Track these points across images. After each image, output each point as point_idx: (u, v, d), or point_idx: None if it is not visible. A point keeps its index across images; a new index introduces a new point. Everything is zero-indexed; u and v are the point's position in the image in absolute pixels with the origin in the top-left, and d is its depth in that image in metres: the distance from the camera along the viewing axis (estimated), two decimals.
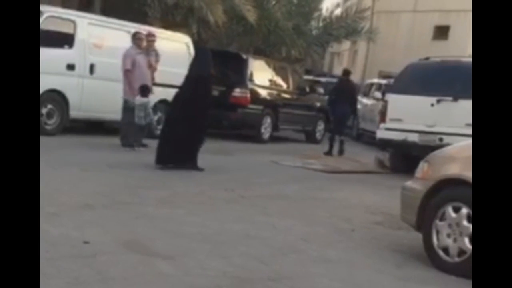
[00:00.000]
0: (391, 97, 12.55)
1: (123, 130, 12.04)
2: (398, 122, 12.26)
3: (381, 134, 12.60)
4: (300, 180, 10.56)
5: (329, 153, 14.99)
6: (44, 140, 11.05)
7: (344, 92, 15.14)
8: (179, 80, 14.02)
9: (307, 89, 18.67)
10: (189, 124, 9.89)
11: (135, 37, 12.40)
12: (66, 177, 8.27)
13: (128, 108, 11.93)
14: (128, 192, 7.83)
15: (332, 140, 15.17)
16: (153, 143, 10.81)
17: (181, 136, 9.91)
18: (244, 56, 16.22)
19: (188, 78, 10.28)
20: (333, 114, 15.71)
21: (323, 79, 24.26)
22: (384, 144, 12.94)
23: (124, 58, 12.10)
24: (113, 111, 13.19)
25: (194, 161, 10.09)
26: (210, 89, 10.55)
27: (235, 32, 18.20)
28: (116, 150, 11.54)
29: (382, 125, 12.59)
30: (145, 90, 11.88)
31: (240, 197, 8.37)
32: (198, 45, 10.64)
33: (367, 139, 19.92)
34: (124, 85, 12.04)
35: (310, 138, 18.52)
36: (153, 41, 12.55)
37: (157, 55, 12.59)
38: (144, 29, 13.31)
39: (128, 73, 12.03)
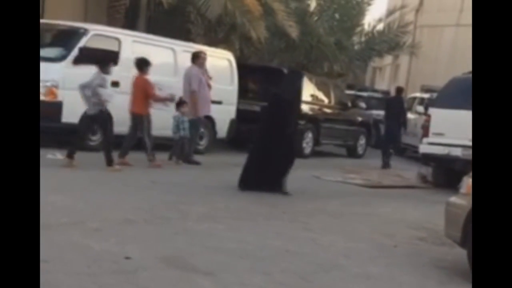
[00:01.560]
0: (434, 112, 12.44)
1: (185, 147, 12.09)
2: (441, 137, 12.15)
3: (424, 148, 12.49)
4: (342, 195, 10.52)
5: (386, 166, 15.37)
6: (88, 156, 11.32)
7: (396, 108, 15.98)
8: (221, 95, 14.29)
9: (349, 104, 18.60)
10: (278, 146, 9.64)
11: (198, 57, 12.54)
12: (108, 193, 8.37)
13: (194, 126, 12.13)
14: (169, 207, 7.88)
15: (385, 154, 15.74)
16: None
17: (269, 158, 9.66)
18: (286, 71, 16.23)
19: (276, 99, 10.09)
20: (385, 129, 16.46)
21: (365, 94, 24.15)
22: (427, 159, 12.80)
23: (190, 79, 12.27)
24: (159, 128, 13.34)
25: (281, 185, 9.70)
26: (296, 112, 10.40)
27: (277, 47, 18.25)
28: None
29: (425, 140, 12.47)
30: (181, 104, 11.97)
31: (281, 212, 8.36)
32: (291, 68, 10.86)
33: (410, 153, 19.76)
34: (189, 105, 12.08)
35: (352, 152, 18.43)
36: (206, 59, 12.72)
37: (207, 73, 12.73)
38: (190, 46, 13.52)
39: (195, 94, 12.15)
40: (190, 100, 12.18)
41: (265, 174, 9.55)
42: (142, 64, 11.42)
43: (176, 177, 10.42)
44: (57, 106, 11.82)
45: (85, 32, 12.30)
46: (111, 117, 12.15)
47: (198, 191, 9.45)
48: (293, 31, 16.58)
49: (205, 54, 12.86)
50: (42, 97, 11.53)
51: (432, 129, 12.26)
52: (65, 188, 8.34)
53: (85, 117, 10.73)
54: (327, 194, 10.52)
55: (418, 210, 9.69)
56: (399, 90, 17.28)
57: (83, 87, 10.50)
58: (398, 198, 10.95)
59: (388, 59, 30.06)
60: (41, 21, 14.09)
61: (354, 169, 14.42)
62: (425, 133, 12.54)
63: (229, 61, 15.00)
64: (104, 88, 10.42)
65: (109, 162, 10.35)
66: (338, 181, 12.29)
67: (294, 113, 10.15)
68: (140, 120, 11.29)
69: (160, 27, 16.27)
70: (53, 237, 5.70)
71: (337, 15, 19.77)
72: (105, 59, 10.70)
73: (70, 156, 10.39)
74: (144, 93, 11.24)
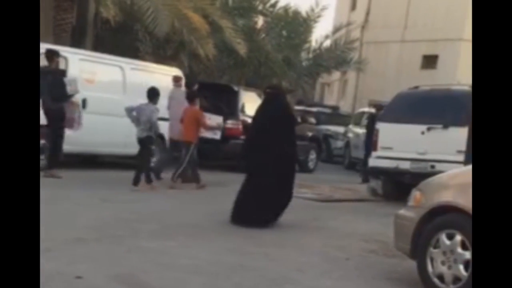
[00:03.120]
0: (382, 126, 12.61)
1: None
2: (389, 150, 12.31)
3: (373, 162, 12.65)
4: (293, 210, 10.50)
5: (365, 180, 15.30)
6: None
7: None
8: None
9: (299, 119, 18.72)
10: (276, 176, 8.64)
11: (177, 80, 13.34)
12: (58, 212, 8.24)
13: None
14: (120, 225, 7.80)
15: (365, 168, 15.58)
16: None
17: (266, 190, 8.54)
18: (236, 88, 16.31)
19: (261, 122, 8.87)
20: (366, 145, 16.28)
21: (314, 109, 24.40)
22: (376, 172, 12.96)
23: (177, 103, 12.64)
24: (106, 145, 13.25)
25: (276, 219, 8.75)
26: (294, 134, 9.09)
27: (226, 64, 18.33)
28: (109, 184, 11.50)
29: (373, 153, 12.63)
30: None
31: (233, 228, 8.35)
32: (270, 88, 9.36)
33: (359, 167, 19.99)
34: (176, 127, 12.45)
35: (302, 167, 18.52)
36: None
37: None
38: (138, 64, 13.61)
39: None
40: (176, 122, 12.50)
41: (261, 207, 8.47)
42: (193, 96, 12.40)
43: (128, 195, 10.33)
44: None
45: None
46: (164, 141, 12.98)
47: (148, 208, 9.38)
48: (241, 48, 16.67)
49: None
50: None
51: (381, 143, 12.43)
52: None
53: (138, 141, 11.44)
54: None
55: (369, 222, 9.80)
56: (379, 107, 16.94)
57: (130, 110, 11.30)
58: (349, 212, 11.05)
59: (336, 75, 30.48)
60: None
61: (305, 184, 14.48)
62: (374, 147, 12.69)
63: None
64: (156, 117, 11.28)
65: (135, 182, 11.08)
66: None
67: (294, 134, 9.04)
68: (189, 147, 11.96)
69: (107, 45, 16.20)
70: None
71: (284, 32, 19.96)
72: (154, 93, 11.43)
73: (147, 181, 11.13)
74: (195, 123, 12.07)
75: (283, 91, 9.32)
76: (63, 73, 12.01)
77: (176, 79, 13.47)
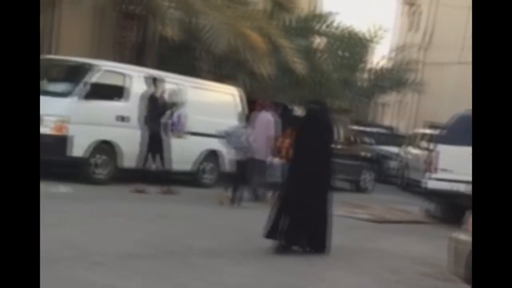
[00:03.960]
0: (441, 148, 12.52)
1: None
2: (448, 173, 12.22)
3: (431, 184, 12.54)
4: (347, 230, 10.54)
5: None
6: (93, 189, 11.43)
7: None
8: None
9: (354, 139, 18.75)
10: (316, 195, 8.18)
11: (263, 106, 13.48)
12: (112, 226, 8.43)
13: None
14: (173, 241, 7.94)
15: None
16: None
17: (306, 207, 8.06)
18: (290, 107, 16.42)
19: (303, 139, 8.43)
20: None
21: (369, 130, 24.32)
22: (434, 194, 12.86)
23: (267, 125, 12.89)
24: (164, 161, 13.45)
25: (322, 241, 8.11)
26: (332, 153, 8.70)
27: (282, 83, 18.42)
28: (164, 200, 11.69)
29: (431, 175, 12.53)
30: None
31: (287, 248, 8.40)
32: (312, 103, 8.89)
33: (414, 188, 19.85)
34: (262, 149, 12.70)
35: (357, 187, 18.51)
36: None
37: None
38: (198, 82, 13.96)
39: (271, 139, 12.82)
40: (267, 144, 12.72)
41: (300, 226, 8.04)
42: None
43: (182, 209, 10.49)
44: (66, 140, 11.93)
45: (93, 67, 12.47)
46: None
47: (202, 224, 9.51)
48: (299, 68, 16.79)
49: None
50: (50, 131, 11.78)
51: (440, 165, 12.34)
52: (69, 222, 8.41)
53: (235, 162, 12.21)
54: (332, 228, 10.52)
55: (422, 245, 9.73)
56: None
57: (228, 135, 12.15)
58: (403, 233, 10.99)
59: (392, 95, 30.27)
60: (50, 56, 14.45)
61: (359, 204, 14.47)
62: (430, 169, 12.60)
63: (234, 96, 15.17)
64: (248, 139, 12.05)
65: (232, 200, 11.72)
66: (343, 215, 12.31)
67: (331, 155, 8.57)
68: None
69: (166, 63, 16.46)
70: (56, 272, 5.77)
71: (341, 52, 19.97)
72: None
73: (235, 198, 11.73)
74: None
75: (327, 107, 8.90)
76: (173, 105, 12.60)
77: (261, 105, 13.51)
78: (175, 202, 11.55)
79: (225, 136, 12.20)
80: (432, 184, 12.57)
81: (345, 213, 12.58)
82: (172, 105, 12.52)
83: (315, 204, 8.11)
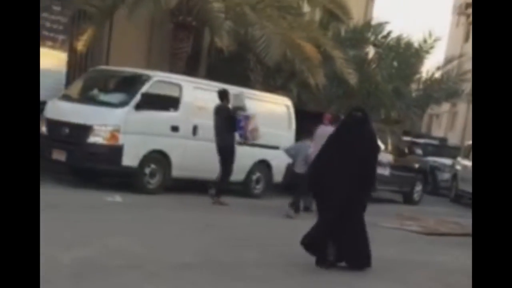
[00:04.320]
0: None
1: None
2: None
3: None
4: (399, 242, 10.46)
5: None
6: (145, 199, 11.57)
7: None
8: (279, 141, 14.44)
9: (406, 150, 18.57)
10: (356, 207, 7.61)
11: (331, 119, 13.43)
12: (164, 235, 8.52)
13: None
14: (224, 251, 7.97)
15: None
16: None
17: (347, 220, 7.50)
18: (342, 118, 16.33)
19: (343, 149, 7.59)
20: None
21: (421, 141, 24.06)
22: None
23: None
24: (213, 171, 13.56)
25: (367, 256, 7.72)
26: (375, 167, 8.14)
27: (335, 94, 18.38)
28: (214, 209, 11.75)
29: None
30: None
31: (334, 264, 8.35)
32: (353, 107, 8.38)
33: (467, 200, 19.59)
34: None
35: (408, 199, 18.31)
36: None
37: None
38: (249, 93, 14.02)
39: None
40: None
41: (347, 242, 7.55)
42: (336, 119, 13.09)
43: (234, 219, 10.53)
44: (118, 150, 12.11)
45: (147, 78, 12.65)
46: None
47: (254, 232, 9.52)
48: (352, 78, 16.71)
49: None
50: (104, 141, 12.00)
51: None
52: (121, 231, 8.52)
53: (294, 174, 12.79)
54: (384, 241, 10.41)
55: None
56: None
57: (288, 150, 13.00)
58: (457, 246, 10.80)
59: (445, 106, 29.88)
60: (105, 67, 14.73)
61: (411, 216, 14.31)
62: None
63: (287, 107, 15.19)
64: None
65: (296, 209, 12.16)
66: (394, 227, 12.22)
67: (374, 164, 7.95)
68: None
69: (219, 73, 16.58)
70: (109, 280, 5.84)
71: (395, 63, 19.82)
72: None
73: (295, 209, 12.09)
74: None
75: (368, 115, 7.84)
76: (237, 109, 12.75)
77: (329, 118, 13.50)
78: (225, 212, 11.60)
79: (289, 150, 12.90)
80: None
81: (398, 225, 12.47)
82: (236, 110, 12.69)
83: (356, 217, 7.59)
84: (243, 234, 9.42)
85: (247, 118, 12.71)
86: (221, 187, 12.66)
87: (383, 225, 12.33)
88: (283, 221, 11.43)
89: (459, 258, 9.56)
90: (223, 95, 12.77)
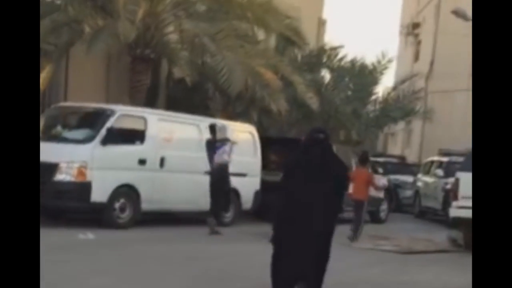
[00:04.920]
0: (462, 176, 12.49)
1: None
2: (469, 200, 12.15)
3: (454, 212, 12.51)
4: (377, 263, 10.48)
5: None
6: (117, 234, 11.38)
7: None
8: (246, 168, 14.44)
9: (369, 170, 18.69)
10: (316, 234, 6.55)
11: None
12: (147, 272, 8.37)
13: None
14: (210, 284, 7.86)
15: None
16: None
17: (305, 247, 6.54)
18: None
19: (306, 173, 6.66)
20: None
21: (381, 159, 24.31)
22: (458, 222, 12.80)
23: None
24: (183, 202, 13.46)
25: (319, 280, 6.80)
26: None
27: (295, 118, 18.51)
28: (191, 241, 11.64)
29: (454, 204, 12.50)
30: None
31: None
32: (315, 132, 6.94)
33: (431, 216, 19.87)
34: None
35: (375, 218, 18.42)
36: None
37: None
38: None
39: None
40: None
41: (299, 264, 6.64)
42: (365, 159, 14.01)
43: (213, 251, 10.42)
44: (87, 186, 11.93)
45: (111, 112, 12.52)
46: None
47: (238, 264, 9.44)
48: (314, 103, 16.90)
49: None
50: (71, 178, 11.80)
51: (461, 193, 12.29)
52: (104, 269, 8.35)
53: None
54: (361, 262, 10.48)
55: (457, 275, 9.63)
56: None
57: None
58: (435, 263, 10.91)
59: (400, 124, 30.34)
60: (67, 104, 14.52)
61: (381, 235, 14.40)
62: (454, 197, 12.57)
63: (252, 134, 15.24)
64: None
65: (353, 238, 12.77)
66: (369, 248, 12.26)
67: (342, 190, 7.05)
68: (362, 205, 13.24)
69: (179, 104, 16.56)
70: None
71: (351, 85, 20.11)
72: (367, 158, 14.18)
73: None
74: (367, 183, 13.36)
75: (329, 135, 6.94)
76: (225, 140, 13.03)
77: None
78: (202, 242, 11.49)
79: None
80: (455, 212, 12.52)
81: (371, 246, 12.52)
82: (222, 141, 12.96)
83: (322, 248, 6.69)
84: (224, 265, 9.32)
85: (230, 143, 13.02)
86: (217, 217, 12.88)
87: (357, 246, 12.37)
88: (259, 248, 11.34)
89: (441, 275, 9.65)
90: (213, 129, 13.04)
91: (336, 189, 6.69)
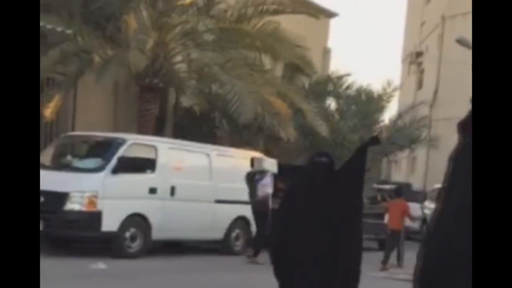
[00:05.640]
0: None
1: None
2: None
3: None
4: None
5: None
6: (129, 264, 11.29)
7: None
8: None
9: (378, 198, 18.69)
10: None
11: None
12: None
13: None
14: None
15: None
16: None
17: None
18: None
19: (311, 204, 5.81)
20: None
21: (387, 187, 24.23)
22: None
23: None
24: (193, 230, 13.38)
25: None
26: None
27: (303, 146, 18.49)
28: (204, 270, 11.54)
29: None
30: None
31: None
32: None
33: None
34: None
35: (384, 246, 18.28)
36: None
37: None
38: (223, 150, 14.35)
39: None
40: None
41: None
42: (400, 191, 14.88)
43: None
44: (97, 216, 11.87)
45: (122, 141, 12.51)
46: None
47: None
48: (323, 130, 16.94)
49: None
50: (82, 207, 11.74)
51: None
52: None
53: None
54: None
55: None
56: None
57: None
58: None
59: (404, 151, 30.34)
60: (77, 133, 14.52)
61: (394, 263, 14.29)
62: None
63: None
64: None
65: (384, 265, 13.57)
66: (384, 277, 12.16)
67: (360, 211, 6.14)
68: (398, 234, 13.99)
69: (186, 132, 16.57)
70: None
71: (358, 113, 20.16)
72: (401, 191, 15.07)
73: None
74: (402, 214, 14.00)
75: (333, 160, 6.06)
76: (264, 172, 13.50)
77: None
78: (215, 271, 11.39)
79: None
80: None
81: (386, 275, 12.43)
82: (259, 173, 13.41)
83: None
84: None
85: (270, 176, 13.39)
86: (258, 247, 13.04)
87: (371, 275, 12.25)
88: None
89: None
90: (252, 161, 13.65)
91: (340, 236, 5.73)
